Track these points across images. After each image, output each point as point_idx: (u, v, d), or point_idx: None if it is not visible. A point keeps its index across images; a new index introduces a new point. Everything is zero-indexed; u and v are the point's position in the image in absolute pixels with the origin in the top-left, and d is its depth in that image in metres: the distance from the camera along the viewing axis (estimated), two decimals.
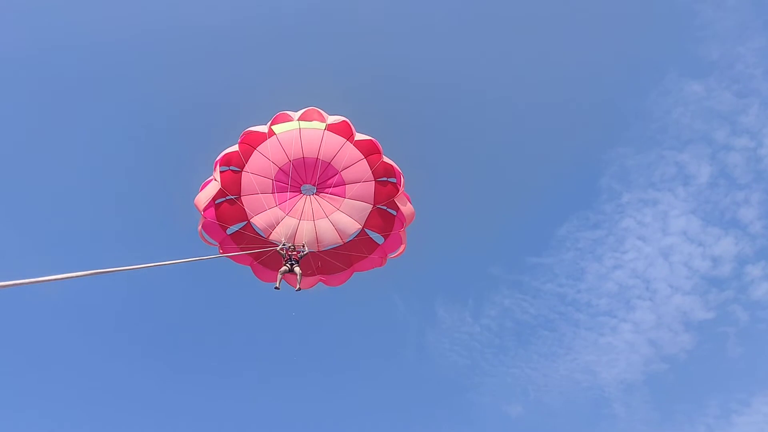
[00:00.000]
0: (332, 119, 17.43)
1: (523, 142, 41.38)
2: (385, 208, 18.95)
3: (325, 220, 19.41)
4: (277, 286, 17.65)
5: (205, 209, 17.93)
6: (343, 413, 38.62)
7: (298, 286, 17.98)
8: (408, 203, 18.54)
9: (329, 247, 19.67)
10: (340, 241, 19.50)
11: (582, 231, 40.34)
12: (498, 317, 40.39)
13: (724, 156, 38.14)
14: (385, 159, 17.91)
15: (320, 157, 18.24)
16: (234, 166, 18.24)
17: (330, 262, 19.55)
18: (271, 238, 19.33)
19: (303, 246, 18.71)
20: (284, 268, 17.83)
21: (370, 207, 18.93)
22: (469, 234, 41.42)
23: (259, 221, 19.10)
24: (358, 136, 17.61)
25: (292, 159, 18.08)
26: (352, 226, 19.28)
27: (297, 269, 17.86)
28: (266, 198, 18.88)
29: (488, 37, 39.33)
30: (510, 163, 41.64)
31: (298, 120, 17.55)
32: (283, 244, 18.35)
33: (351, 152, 18.03)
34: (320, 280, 19.75)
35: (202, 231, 18.08)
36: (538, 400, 38.61)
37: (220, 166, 17.83)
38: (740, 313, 37.25)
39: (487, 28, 39.47)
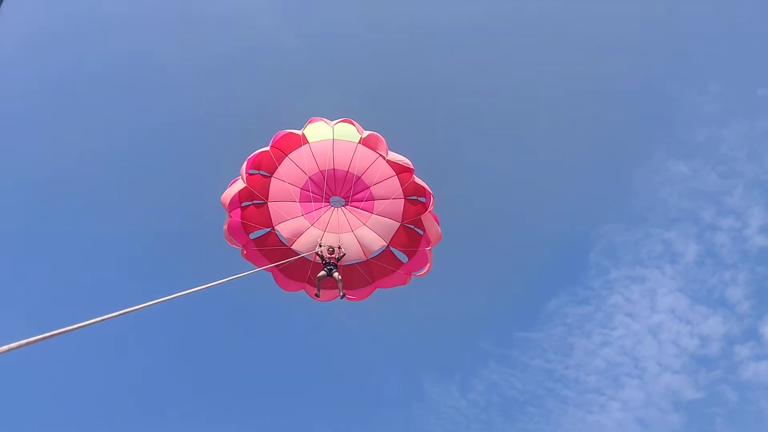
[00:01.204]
0: (367, 133, 17.51)
1: (513, 216, 41.98)
2: (412, 226, 18.71)
3: (350, 234, 19.09)
4: (317, 293, 17.44)
5: (231, 209, 17.66)
6: None
7: (341, 293, 17.52)
8: (436, 224, 18.33)
9: (351, 263, 19.26)
10: (364, 257, 19.11)
11: (571, 306, 40.45)
12: (485, 392, 39.75)
13: (711, 235, 38.71)
14: (416, 179, 17.88)
15: (351, 170, 18.19)
16: (264, 170, 18.14)
17: (352, 275, 19.07)
18: (293, 247, 18.95)
19: (340, 248, 18.27)
20: (322, 273, 17.41)
21: (397, 224, 18.65)
22: (458, 306, 41.36)
23: (283, 229, 18.79)
24: (391, 155, 17.66)
25: (324, 169, 18.02)
26: (377, 242, 18.93)
27: (336, 275, 17.34)
28: (293, 206, 18.66)
29: (476, 118, 40.81)
30: (500, 236, 42.07)
31: (333, 129, 17.62)
32: (320, 245, 17.98)
33: (383, 168, 17.92)
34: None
35: (228, 232, 17.72)
36: None
37: (249, 168, 17.74)
38: (729, 393, 36.75)
39: (475, 110, 41.01)
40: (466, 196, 39.78)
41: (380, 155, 17.54)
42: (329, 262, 17.62)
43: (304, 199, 18.65)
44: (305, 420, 38.83)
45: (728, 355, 37.36)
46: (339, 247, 18.22)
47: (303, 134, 17.49)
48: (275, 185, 18.28)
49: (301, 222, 18.90)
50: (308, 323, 39.26)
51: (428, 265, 18.41)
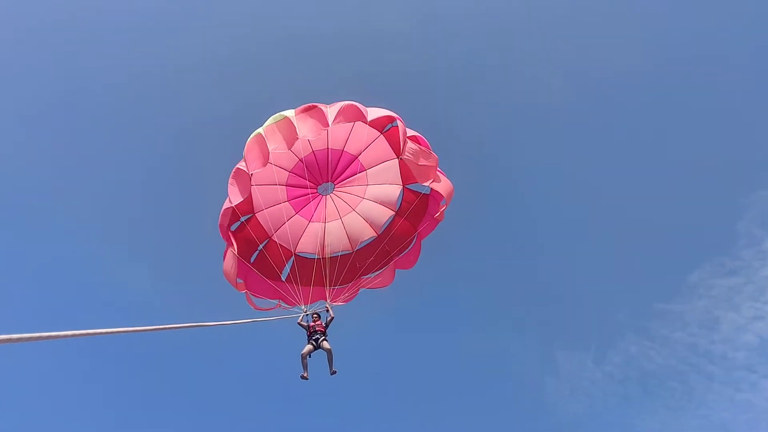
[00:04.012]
0: (299, 108, 15.29)
1: (654, 181, 39.35)
2: (410, 156, 15.58)
3: (352, 214, 16.98)
4: (305, 375, 14.03)
5: (238, 272, 15.55)
6: None
7: (332, 369, 14.30)
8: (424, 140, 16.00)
9: (365, 243, 17.08)
10: (390, 211, 16.65)
11: (716, 278, 36.85)
12: (622, 365, 37.29)
13: None
14: (367, 112, 15.24)
15: (313, 151, 16.14)
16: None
17: (367, 257, 16.72)
18: (297, 251, 17.02)
19: (327, 310, 15.56)
20: (308, 347, 14.45)
21: (395, 160, 16.00)
22: (594, 277, 39.27)
23: (281, 236, 17.04)
24: (330, 108, 15.24)
25: (297, 162, 16.79)
26: (393, 190, 16.43)
27: (326, 345, 14.45)
28: (284, 209, 17.11)
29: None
30: (638, 203, 39.41)
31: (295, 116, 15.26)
32: (306, 313, 15.49)
33: (342, 126, 15.60)
34: (396, 267, 16.94)
35: (251, 297, 15.70)
36: None
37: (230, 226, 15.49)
38: None
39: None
40: (604, 166, 38.92)
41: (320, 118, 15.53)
42: (315, 331, 14.86)
43: (290, 198, 17.18)
44: (437, 396, 36.53)
45: None
46: (327, 309, 15.63)
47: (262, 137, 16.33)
48: (255, 198, 16.87)
49: (297, 221, 17.13)
50: (433, 298, 38.28)
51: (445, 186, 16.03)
